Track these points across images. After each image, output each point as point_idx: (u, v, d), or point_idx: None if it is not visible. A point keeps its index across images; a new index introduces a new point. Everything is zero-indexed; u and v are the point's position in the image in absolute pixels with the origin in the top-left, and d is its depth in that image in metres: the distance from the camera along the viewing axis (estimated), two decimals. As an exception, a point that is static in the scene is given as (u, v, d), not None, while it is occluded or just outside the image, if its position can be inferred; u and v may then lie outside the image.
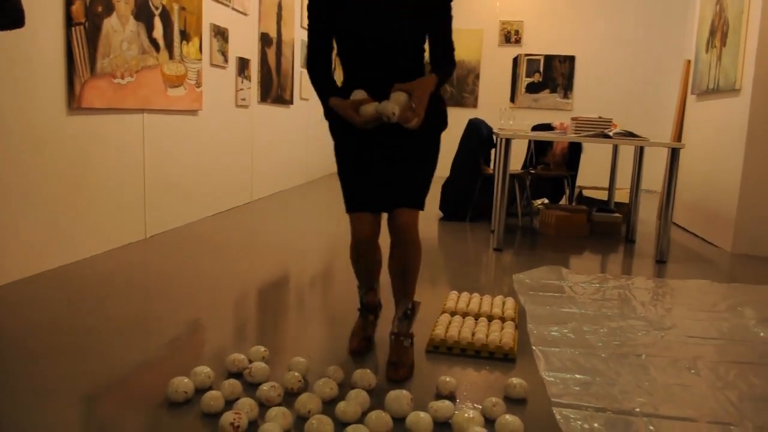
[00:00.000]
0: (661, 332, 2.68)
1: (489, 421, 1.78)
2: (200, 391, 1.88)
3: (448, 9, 2.09)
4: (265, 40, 5.84)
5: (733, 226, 4.50)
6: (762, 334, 2.72)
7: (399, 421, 1.76)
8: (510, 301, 2.88)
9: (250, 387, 1.95)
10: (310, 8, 2.09)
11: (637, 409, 1.93)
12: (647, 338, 2.60)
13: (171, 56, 4.13)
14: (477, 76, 8.87)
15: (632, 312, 2.95)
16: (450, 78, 2.18)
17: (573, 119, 4.58)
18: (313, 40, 2.12)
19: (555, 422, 1.83)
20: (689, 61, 5.95)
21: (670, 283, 3.54)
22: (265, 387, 1.87)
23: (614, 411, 1.92)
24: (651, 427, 1.82)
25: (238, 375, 2.03)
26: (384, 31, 2.01)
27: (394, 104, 1.92)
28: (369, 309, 2.34)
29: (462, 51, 8.87)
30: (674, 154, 4.10)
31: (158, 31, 3.95)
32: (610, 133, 4.34)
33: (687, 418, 1.89)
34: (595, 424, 1.82)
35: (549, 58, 8.65)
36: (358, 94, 2.02)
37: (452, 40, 2.13)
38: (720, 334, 2.71)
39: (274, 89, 6.16)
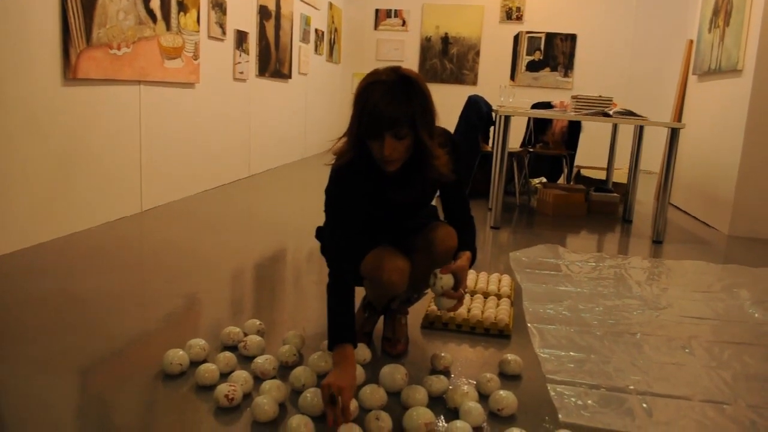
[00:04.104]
0: (657, 312, 2.69)
1: (483, 397, 1.79)
2: (195, 363, 1.88)
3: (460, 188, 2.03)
4: (263, 13, 5.77)
5: (731, 208, 4.50)
6: (757, 315, 2.73)
7: (394, 395, 1.77)
8: (506, 279, 2.88)
9: (245, 360, 1.95)
10: (337, 207, 1.86)
11: (631, 387, 1.94)
12: (642, 317, 2.60)
13: (168, 27, 4.07)
14: (477, 53, 8.80)
15: (628, 291, 2.95)
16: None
17: (573, 97, 4.55)
18: (341, 239, 1.83)
19: (549, 398, 1.84)
20: (691, 41, 5.90)
21: (667, 264, 3.54)
22: (260, 360, 1.87)
23: (608, 388, 1.92)
24: (644, 405, 1.83)
25: (233, 348, 2.03)
26: (408, 211, 1.99)
27: (444, 285, 1.85)
28: (378, 311, 2.16)
29: (462, 27, 8.79)
30: (674, 134, 4.08)
31: (155, 2, 3.89)
32: (610, 112, 4.31)
33: (681, 396, 1.90)
34: (589, 401, 1.83)
35: (550, 36, 8.57)
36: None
37: (468, 204, 2.07)
38: (715, 314, 2.72)
39: (272, 63, 6.10)
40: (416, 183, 1.85)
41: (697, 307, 2.78)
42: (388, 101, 1.65)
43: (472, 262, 1.97)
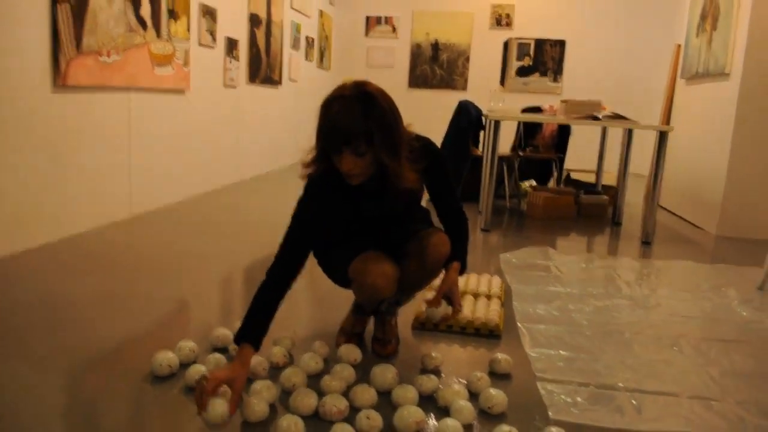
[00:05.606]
0: (646, 311, 2.71)
1: (473, 395, 1.79)
2: (185, 365, 1.88)
3: (443, 174, 1.98)
4: (254, 20, 5.79)
5: (719, 209, 4.53)
6: (744, 313, 2.75)
7: (384, 394, 1.77)
8: (496, 280, 2.89)
9: (236, 362, 1.95)
10: (300, 221, 1.88)
11: (621, 384, 1.95)
12: (632, 316, 2.62)
13: (158, 35, 4.08)
14: (467, 59, 8.84)
15: (617, 291, 2.97)
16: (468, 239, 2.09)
17: (563, 101, 4.58)
18: (290, 250, 1.89)
19: (539, 396, 1.85)
20: (679, 46, 5.95)
21: (655, 264, 3.57)
22: (250, 361, 1.86)
23: (598, 386, 1.93)
24: (633, 402, 1.84)
25: (223, 350, 2.03)
26: (385, 223, 1.97)
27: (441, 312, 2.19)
28: (366, 312, 2.17)
29: (452, 34, 8.83)
30: (662, 137, 4.11)
31: (146, 10, 3.90)
32: (599, 116, 4.34)
33: (669, 393, 1.92)
34: (579, 399, 1.84)
35: (539, 42, 8.63)
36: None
37: (456, 196, 2.06)
38: (703, 313, 2.74)
39: (262, 70, 6.11)
40: (389, 195, 1.85)
41: (685, 306, 2.80)
42: (344, 117, 1.66)
43: (462, 269, 2.00)
